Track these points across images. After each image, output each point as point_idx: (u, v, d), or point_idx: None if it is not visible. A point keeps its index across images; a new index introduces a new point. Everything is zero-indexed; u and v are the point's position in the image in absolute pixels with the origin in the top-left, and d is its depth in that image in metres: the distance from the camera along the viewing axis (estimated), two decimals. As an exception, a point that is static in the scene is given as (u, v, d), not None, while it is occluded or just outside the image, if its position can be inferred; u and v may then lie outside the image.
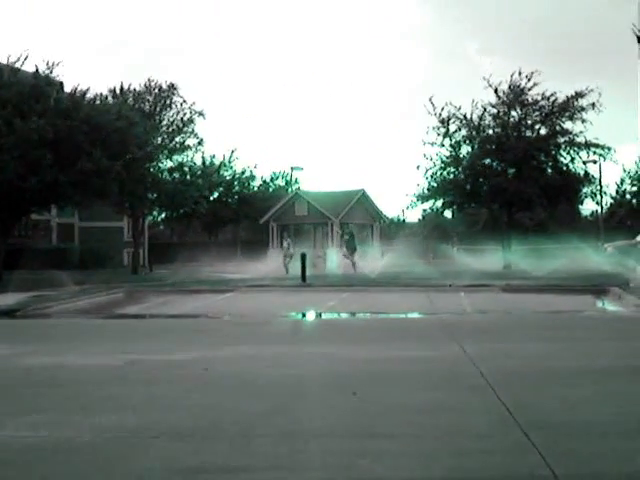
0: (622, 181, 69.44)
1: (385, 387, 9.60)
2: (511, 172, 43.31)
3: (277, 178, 78.07)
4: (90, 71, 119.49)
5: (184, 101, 47.66)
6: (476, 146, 43.90)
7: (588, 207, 64.88)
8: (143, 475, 6.10)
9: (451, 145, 43.97)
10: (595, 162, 45.07)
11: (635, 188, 59.26)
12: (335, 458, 6.49)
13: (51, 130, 31.11)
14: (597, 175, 45.47)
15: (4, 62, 33.58)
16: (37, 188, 31.13)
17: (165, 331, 17.29)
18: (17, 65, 33.68)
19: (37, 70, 34.00)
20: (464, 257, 45.82)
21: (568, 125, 43.06)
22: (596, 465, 6.22)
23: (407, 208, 47.58)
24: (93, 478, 6.06)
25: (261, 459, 6.49)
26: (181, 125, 47.23)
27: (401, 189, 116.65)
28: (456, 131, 43.82)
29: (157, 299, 27.05)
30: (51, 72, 34.16)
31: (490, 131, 43.90)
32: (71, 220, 57.17)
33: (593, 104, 41.98)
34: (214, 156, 68.58)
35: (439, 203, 46.23)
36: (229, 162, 71.31)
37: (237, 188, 72.56)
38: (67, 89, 36.13)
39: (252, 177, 74.36)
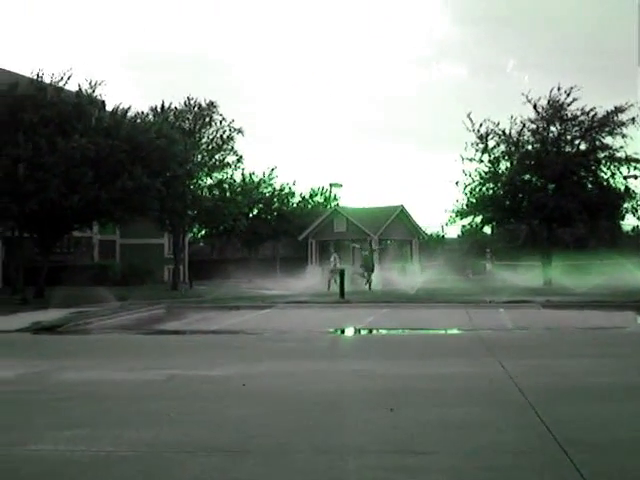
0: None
1: (422, 403, 9.58)
2: (551, 187, 42.97)
3: (316, 195, 78.07)
4: (130, 89, 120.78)
5: (223, 119, 47.99)
6: (515, 162, 43.64)
7: (629, 222, 64.13)
8: (180, 490, 6.14)
9: (490, 161, 43.75)
10: (636, 177, 44.48)
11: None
12: (370, 474, 6.49)
13: (93, 148, 31.45)
14: (638, 190, 44.93)
15: (48, 81, 34.01)
16: (79, 206, 31.46)
17: (204, 347, 17.39)
18: (60, 84, 34.10)
19: (80, 89, 34.39)
20: (503, 273, 45.47)
21: (608, 140, 42.70)
22: (635, 483, 6.17)
23: (446, 224, 47.43)
24: (130, 492, 6.11)
25: (297, 474, 6.51)
26: (220, 142, 47.50)
27: (440, 205, 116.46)
28: (495, 147, 43.61)
29: (196, 315, 27.18)
30: (94, 91, 34.54)
31: (529, 147, 43.63)
32: (112, 237, 57.65)
33: (633, 119, 41.58)
34: (253, 173, 68.91)
35: (478, 219, 46.00)
36: (268, 179, 71.57)
37: (276, 205, 72.67)
38: (109, 107, 36.53)
39: (291, 194, 74.47)
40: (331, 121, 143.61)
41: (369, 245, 42.19)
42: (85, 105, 33.69)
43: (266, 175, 70.63)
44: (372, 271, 40.65)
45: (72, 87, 34.59)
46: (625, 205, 43.93)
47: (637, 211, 45.42)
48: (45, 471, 6.70)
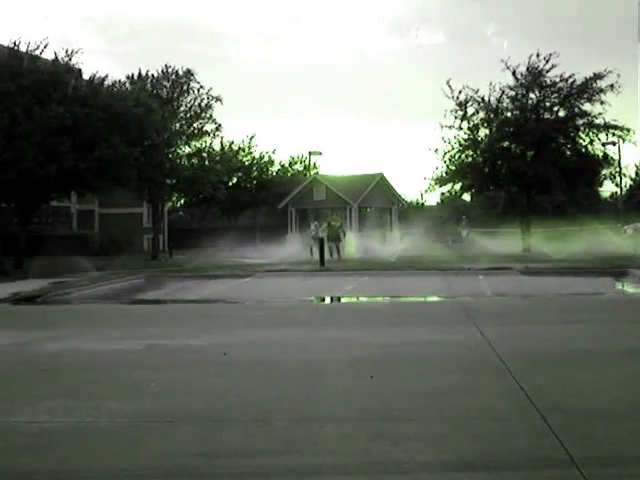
0: (642, 162, 68.98)
1: (402, 371, 9.61)
2: (530, 154, 43.03)
3: (295, 163, 77.93)
4: (107, 58, 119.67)
5: (201, 87, 47.69)
6: (494, 129, 43.60)
7: (607, 189, 64.43)
8: (159, 458, 6.13)
9: (469, 128, 43.70)
10: (614, 144, 44.62)
11: (655, 169, 58.81)
12: (352, 442, 6.51)
13: (70, 117, 31.17)
14: (616, 157, 45.04)
15: (23, 50, 33.65)
16: (56, 175, 31.21)
17: (184, 316, 17.38)
18: (37, 53, 33.75)
19: (56, 58, 34.06)
20: (482, 240, 45.61)
21: (587, 107, 42.73)
22: (613, 448, 6.21)
23: (425, 191, 47.33)
24: (110, 462, 6.10)
25: (277, 443, 6.52)
26: (199, 111, 47.26)
27: (420, 172, 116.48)
28: (474, 114, 43.53)
29: (176, 284, 27.16)
30: (70, 60, 34.22)
31: (508, 114, 43.58)
32: (91, 207, 57.29)
33: (612, 85, 41.60)
34: (232, 142, 68.65)
35: (457, 186, 46.04)
36: (248, 147, 71.32)
37: (255, 173, 72.49)
38: (86, 76, 36.19)
39: (270, 162, 74.28)
40: (310, 89, 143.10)
41: (335, 215, 41.70)
42: (62, 74, 33.34)
43: (245, 143, 70.40)
44: (340, 240, 40.11)
45: (48, 56, 34.26)
46: (603, 172, 44.09)
47: (615, 178, 45.63)
48: (25, 443, 6.68)
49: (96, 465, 6.04)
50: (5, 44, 34.11)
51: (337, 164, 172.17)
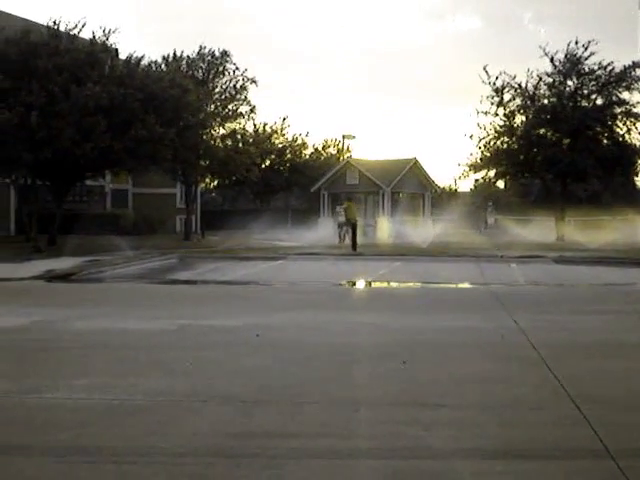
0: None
1: (435, 357, 9.60)
2: (566, 142, 42.71)
3: (329, 146, 77.89)
4: (144, 38, 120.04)
5: (237, 68, 47.62)
6: (531, 116, 43.30)
7: (644, 179, 63.84)
8: (194, 438, 6.17)
9: (505, 115, 43.42)
10: (652, 133, 44.20)
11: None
12: (384, 427, 6.51)
13: (106, 97, 31.29)
14: (654, 146, 44.60)
15: (62, 29, 33.82)
16: (91, 154, 31.39)
17: (216, 297, 17.45)
18: (74, 32, 33.90)
19: (94, 37, 34.21)
20: (515, 228, 45.39)
21: (625, 95, 42.37)
22: (648, 439, 6.17)
23: (459, 178, 47.08)
24: (144, 440, 6.14)
25: (310, 426, 6.54)
26: (234, 92, 47.20)
27: (454, 158, 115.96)
28: (510, 100, 43.27)
29: (208, 265, 27.23)
30: (107, 39, 34.36)
31: (545, 101, 43.26)
32: (125, 186, 57.58)
33: (651, 74, 41.20)
34: (266, 124, 68.69)
35: (492, 173, 45.80)
36: (281, 129, 71.34)
37: (289, 156, 72.55)
38: (122, 56, 36.33)
39: (304, 145, 74.30)
40: (345, 73, 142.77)
41: (347, 199, 40.83)
42: (99, 53, 33.47)
43: (278, 125, 70.38)
44: (353, 225, 38.68)
45: (86, 35, 34.43)
46: (640, 161, 43.65)
47: (652, 167, 45.14)
48: (61, 419, 6.74)
49: (131, 443, 6.08)
50: (44, 23, 34.30)
51: (371, 148, 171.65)
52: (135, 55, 35.90)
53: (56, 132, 30.45)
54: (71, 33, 33.79)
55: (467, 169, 44.91)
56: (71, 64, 32.14)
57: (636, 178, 50.27)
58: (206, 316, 13.31)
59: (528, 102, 43.06)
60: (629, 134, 42.72)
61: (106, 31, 34.49)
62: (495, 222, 57.81)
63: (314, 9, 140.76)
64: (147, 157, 34.26)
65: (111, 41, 34.77)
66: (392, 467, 5.57)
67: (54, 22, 33.69)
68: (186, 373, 8.59)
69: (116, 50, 35.82)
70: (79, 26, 33.97)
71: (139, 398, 7.43)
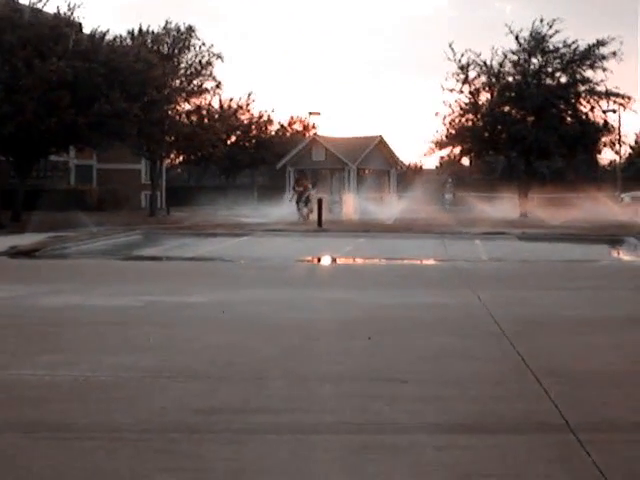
0: (641, 131, 68.87)
1: (400, 332, 9.68)
2: (530, 120, 42.93)
3: (295, 123, 77.75)
4: (108, 12, 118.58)
5: (203, 44, 47.34)
6: (495, 93, 43.47)
7: (607, 157, 64.50)
8: (159, 414, 6.19)
9: (470, 92, 43.55)
10: (615, 111, 44.48)
11: (655, 138, 58.66)
12: (349, 401, 6.57)
13: (70, 72, 31.02)
14: (616, 124, 45.01)
15: (25, 2, 33.49)
16: (55, 129, 31.14)
17: (181, 273, 17.44)
18: (38, 6, 33.57)
19: (58, 11, 33.87)
20: (480, 205, 45.67)
21: (589, 73, 42.63)
22: (608, 413, 6.27)
23: (425, 155, 47.24)
24: (110, 416, 6.15)
25: (275, 401, 6.58)
26: (199, 68, 46.93)
27: (419, 136, 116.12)
28: (475, 78, 43.36)
29: (174, 242, 27.18)
30: (72, 13, 34.04)
31: (510, 78, 43.42)
32: (89, 162, 57.19)
33: (614, 52, 41.46)
34: (231, 99, 68.35)
35: (457, 150, 46.01)
36: (247, 106, 71.02)
37: (254, 132, 72.31)
38: (86, 31, 35.99)
39: (270, 121, 74.06)
40: (311, 50, 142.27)
41: (303, 174, 41.05)
42: (63, 27, 33.15)
43: (244, 101, 70.08)
44: (308, 201, 39.28)
45: (50, 9, 34.14)
46: (603, 139, 44.04)
47: (615, 145, 45.55)
48: (25, 395, 6.73)
49: (96, 418, 6.09)
50: (6, -4, 33.91)
51: (337, 125, 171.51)
52: (100, 29, 35.69)
53: (19, 107, 30.16)
54: (34, 7, 33.40)
55: (432, 146, 45.05)
56: (35, 38, 31.83)
57: (599, 156, 50.67)
58: (172, 292, 13.30)
59: (493, 80, 43.21)
60: (592, 112, 43.08)
61: (71, 5, 34.16)
62: (453, 198, 58.20)
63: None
64: (112, 132, 34.06)
65: (75, 15, 34.44)
66: (356, 442, 5.62)
67: (16, -5, 33.33)
68: (151, 349, 8.59)
69: (80, 24, 35.53)
70: (43, 0, 33.61)
71: (104, 374, 7.43)
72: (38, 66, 30.53)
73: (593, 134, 43.12)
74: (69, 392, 6.84)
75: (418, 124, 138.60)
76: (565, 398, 6.56)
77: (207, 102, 49.44)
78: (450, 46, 42.87)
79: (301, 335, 9.47)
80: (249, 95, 70.62)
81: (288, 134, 75.40)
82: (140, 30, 45.89)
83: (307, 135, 69.45)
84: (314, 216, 35.45)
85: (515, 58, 42.93)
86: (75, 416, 6.15)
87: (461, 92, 43.50)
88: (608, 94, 42.29)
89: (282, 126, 76.34)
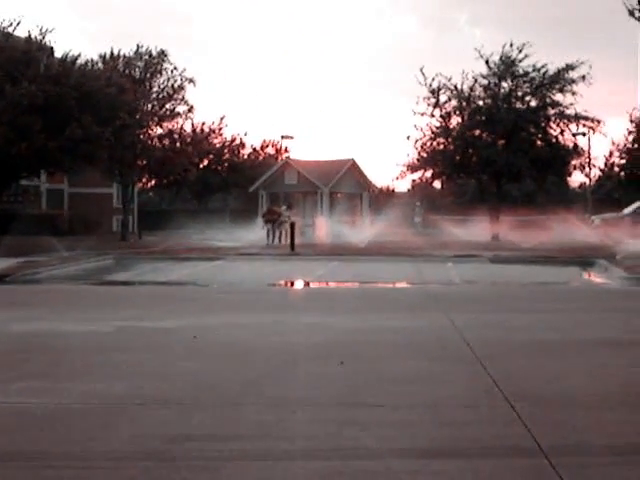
0: (611, 154, 69.51)
1: (372, 357, 9.68)
2: (501, 143, 43.28)
3: (267, 146, 77.79)
4: (79, 36, 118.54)
5: (175, 68, 47.32)
6: (466, 117, 43.81)
7: (577, 179, 65.04)
8: (132, 442, 6.15)
9: (441, 116, 43.86)
10: (584, 134, 44.98)
11: (623, 161, 59.17)
12: (321, 427, 6.56)
13: (41, 96, 30.96)
14: (586, 147, 45.51)
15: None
16: (26, 154, 31.03)
17: (154, 298, 17.35)
18: (9, 30, 33.49)
19: (29, 36, 33.80)
20: (452, 228, 45.88)
21: (558, 97, 43.11)
22: (580, 437, 6.31)
23: (397, 178, 47.46)
24: (82, 444, 6.10)
25: (248, 427, 6.56)
26: (171, 92, 46.87)
27: (391, 159, 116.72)
28: (446, 102, 43.71)
29: (146, 266, 27.07)
30: (43, 38, 34.00)
31: (480, 102, 43.80)
32: (61, 186, 56.92)
33: (583, 76, 41.98)
34: (204, 123, 68.32)
35: (428, 173, 46.23)
36: (219, 129, 71.02)
37: (227, 156, 72.28)
38: (58, 55, 35.93)
39: (242, 145, 74.08)
40: (283, 73, 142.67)
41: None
42: (34, 52, 33.11)
43: (216, 125, 70.06)
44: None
45: (21, 33, 34.02)
46: (573, 162, 44.48)
47: (584, 168, 46.01)
48: (-5, 423, 6.68)
49: (68, 447, 6.04)
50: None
51: (309, 149, 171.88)
52: (71, 53, 35.66)
53: (-11, 131, 30.03)
54: (5, 31, 33.33)
55: (404, 169, 45.29)
56: (6, 62, 31.74)
57: (569, 178, 51.14)
58: (143, 318, 13.23)
59: (464, 103, 43.56)
60: (562, 135, 43.53)
61: (42, 30, 34.11)
62: (422, 221, 58.61)
63: (251, 8, 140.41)
64: (83, 157, 33.96)
65: (47, 39, 34.41)
66: (329, 468, 5.62)
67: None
68: (123, 376, 8.55)
69: (52, 49, 35.46)
70: (14, 24, 33.57)
71: (76, 401, 7.38)
72: (9, 90, 30.44)
73: (563, 157, 43.58)
74: (41, 420, 6.78)
75: (390, 147, 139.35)
76: (537, 422, 6.59)
77: (179, 126, 49.40)
78: (421, 70, 43.22)
79: (274, 360, 9.45)
80: (221, 119, 70.64)
81: (261, 157, 75.39)
82: (112, 54, 45.81)
83: (280, 159, 69.49)
84: (284, 240, 35.61)
85: (485, 82, 43.37)
86: (47, 445, 6.11)
87: (432, 116, 43.85)
88: (578, 117, 42.78)
89: (255, 149, 76.34)
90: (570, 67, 42.15)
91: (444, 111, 43.77)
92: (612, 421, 6.79)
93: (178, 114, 47.68)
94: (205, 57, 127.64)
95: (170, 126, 47.92)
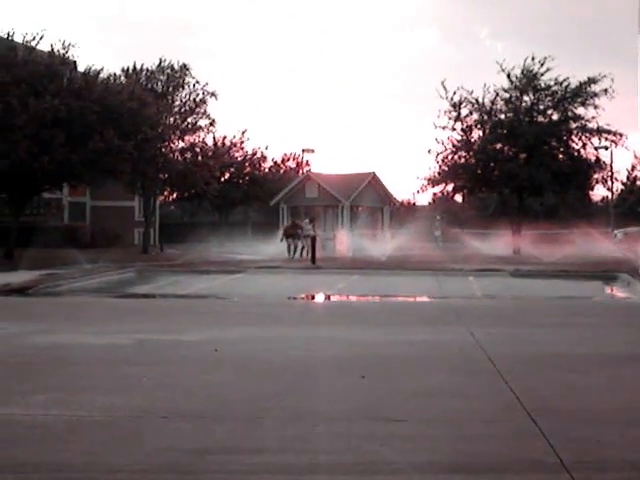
0: (633, 167, 69.30)
1: (393, 371, 9.65)
2: (522, 157, 43.17)
3: (288, 160, 77.99)
4: (102, 51, 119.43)
5: (197, 82, 47.58)
6: (488, 131, 43.79)
7: (599, 193, 64.80)
8: (153, 454, 6.16)
9: (462, 129, 43.88)
10: (607, 148, 44.80)
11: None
12: (343, 441, 6.54)
13: (64, 110, 31.17)
14: (608, 161, 45.31)
15: (19, 41, 33.67)
16: (49, 167, 31.21)
17: (175, 311, 17.37)
18: (32, 44, 33.76)
19: (52, 49, 34.06)
20: (473, 241, 45.76)
21: (580, 111, 43.02)
22: (602, 452, 6.26)
23: (418, 192, 47.46)
24: (104, 457, 6.12)
25: (269, 441, 6.55)
26: (193, 106, 47.13)
27: (412, 172, 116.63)
28: (468, 115, 43.72)
29: (167, 279, 27.14)
30: (66, 52, 34.23)
31: (502, 116, 43.77)
32: (83, 199, 57.26)
33: (606, 90, 41.87)
34: (225, 137, 68.59)
35: (450, 187, 46.20)
36: (240, 143, 71.25)
37: (248, 169, 72.48)
38: (81, 69, 36.20)
39: (263, 158, 74.29)
40: (304, 86, 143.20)
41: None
42: (57, 66, 33.35)
43: (237, 138, 70.30)
44: (298, 238, 39.19)
45: (44, 47, 34.30)
46: (595, 176, 44.30)
47: (607, 182, 45.81)
48: (18, 434, 6.70)
49: (90, 459, 6.06)
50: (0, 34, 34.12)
51: (330, 162, 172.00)
52: (94, 68, 35.90)
53: (13, 144, 30.23)
54: (29, 45, 33.61)
55: (425, 183, 45.30)
56: (29, 76, 31.99)
57: (591, 192, 50.95)
58: (165, 331, 13.25)
59: (485, 117, 43.55)
60: (584, 149, 43.41)
61: (65, 44, 34.36)
62: (442, 235, 58.54)
63: (273, 23, 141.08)
64: (105, 170, 34.15)
65: (70, 53, 34.64)
66: (351, 482, 5.61)
67: (9, 33, 33.58)
68: (144, 389, 8.56)
69: (74, 63, 35.71)
70: (37, 38, 33.86)
71: (97, 414, 7.40)
72: (32, 104, 30.66)
73: (585, 171, 43.44)
74: (62, 432, 6.80)
75: (411, 161, 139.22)
76: (560, 437, 6.54)
77: (201, 139, 49.63)
78: (442, 84, 43.32)
79: (295, 374, 9.44)
80: (243, 132, 70.89)
81: (281, 171, 75.62)
82: (134, 68, 46.15)
83: (300, 172, 69.65)
84: (305, 253, 35.63)
85: (507, 96, 43.31)
86: (69, 457, 6.12)
87: (453, 129, 43.88)
88: (600, 131, 42.65)
89: (276, 163, 76.57)
90: (592, 80, 42.04)
91: (465, 125, 43.80)
92: (635, 437, 6.73)
93: (200, 128, 47.95)
94: (227, 70, 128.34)
95: (192, 139, 48.17)
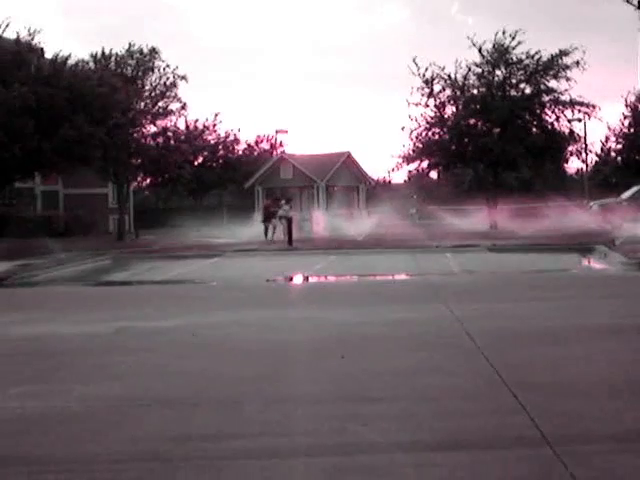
0: (607, 139, 69.49)
1: (373, 350, 9.63)
2: (496, 132, 43.21)
3: (262, 141, 77.67)
4: (70, 37, 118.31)
5: (167, 65, 47.23)
6: (461, 106, 43.76)
7: (573, 165, 64.95)
8: (133, 443, 6.10)
9: (435, 105, 43.82)
10: (580, 120, 44.97)
11: (620, 146, 59.10)
12: (324, 423, 6.50)
13: (33, 97, 30.87)
14: (582, 133, 45.45)
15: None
16: (20, 156, 30.94)
17: (152, 298, 17.27)
18: (-2, 32, 33.44)
19: (19, 37, 33.69)
20: (449, 218, 45.84)
21: (553, 84, 43.08)
22: (584, 425, 6.26)
23: (393, 170, 47.40)
24: (83, 447, 6.06)
25: (250, 425, 6.50)
26: (164, 89, 46.79)
27: (387, 151, 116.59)
28: (440, 91, 43.67)
29: (144, 265, 27.01)
30: (33, 39, 33.89)
31: (475, 91, 43.76)
32: (55, 187, 56.75)
33: (577, 62, 41.91)
34: (197, 120, 68.18)
35: (424, 164, 46.17)
36: (213, 126, 70.87)
37: (221, 152, 72.12)
38: (48, 56, 35.82)
39: (236, 141, 73.91)
40: (277, 68, 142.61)
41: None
42: (24, 53, 33.00)
43: (210, 121, 69.90)
44: (271, 219, 38.65)
45: (10, 35, 33.90)
46: (569, 148, 44.43)
47: (581, 154, 45.95)
48: (-5, 428, 6.62)
49: (70, 450, 6.00)
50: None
51: (304, 143, 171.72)
52: (62, 54, 35.51)
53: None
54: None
55: (400, 161, 45.22)
56: (-4, 64, 31.64)
57: (565, 165, 51.11)
58: (143, 318, 13.16)
59: (458, 93, 43.52)
60: (557, 122, 43.49)
61: (31, 31, 34.00)
62: (417, 213, 58.68)
63: (242, 3, 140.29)
64: (77, 157, 33.86)
65: (37, 40, 34.30)
66: (333, 463, 5.58)
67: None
68: (123, 377, 8.48)
69: (42, 50, 35.35)
70: (3, 26, 33.45)
71: (76, 404, 7.32)
72: (0, 93, 30.34)
73: (559, 144, 43.55)
74: (41, 424, 6.72)
75: (385, 139, 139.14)
76: (541, 411, 6.53)
77: (173, 124, 49.33)
78: (414, 60, 43.16)
79: (273, 356, 9.40)
80: (215, 115, 70.49)
81: (256, 153, 75.27)
82: (103, 53, 45.70)
83: (275, 153, 69.47)
84: (282, 235, 35.50)
85: (479, 70, 43.31)
86: (48, 448, 6.05)
87: (427, 106, 43.80)
88: (573, 103, 42.75)
89: (249, 145, 76.20)
90: (564, 53, 42.06)
91: (438, 101, 43.75)
92: (615, 409, 6.74)
93: (171, 112, 47.62)
94: (197, 54, 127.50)
95: (164, 124, 47.85)
